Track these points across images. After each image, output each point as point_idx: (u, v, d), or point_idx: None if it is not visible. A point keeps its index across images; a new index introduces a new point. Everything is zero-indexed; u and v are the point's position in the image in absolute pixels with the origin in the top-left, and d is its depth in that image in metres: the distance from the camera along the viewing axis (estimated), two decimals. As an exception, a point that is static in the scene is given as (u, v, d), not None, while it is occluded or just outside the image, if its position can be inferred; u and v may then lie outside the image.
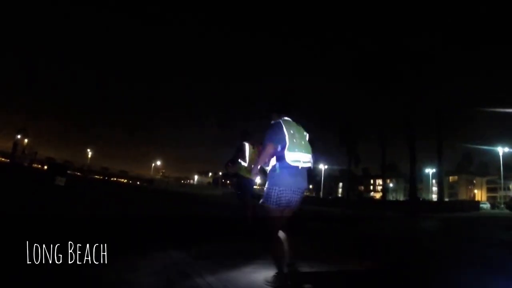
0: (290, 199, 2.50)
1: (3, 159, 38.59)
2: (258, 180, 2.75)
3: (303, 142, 2.58)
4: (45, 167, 25.67)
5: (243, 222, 4.69)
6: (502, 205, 35.74)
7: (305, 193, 2.72)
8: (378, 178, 75.42)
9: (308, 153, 2.59)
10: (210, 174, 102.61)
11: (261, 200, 2.56)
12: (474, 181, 68.43)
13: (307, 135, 2.73)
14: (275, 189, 2.48)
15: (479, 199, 54.35)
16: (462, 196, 64.10)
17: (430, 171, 54.99)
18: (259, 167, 2.68)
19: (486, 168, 66.38)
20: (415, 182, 24.66)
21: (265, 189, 2.56)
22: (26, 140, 44.24)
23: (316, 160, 2.89)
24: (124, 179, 65.40)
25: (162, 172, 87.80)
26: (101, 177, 50.25)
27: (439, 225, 11.39)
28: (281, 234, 2.49)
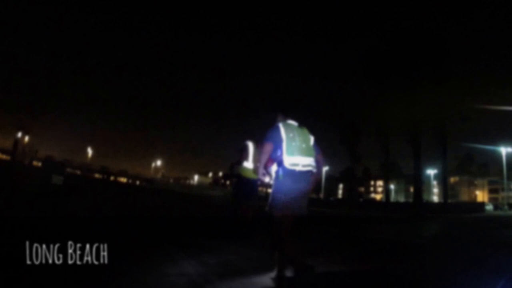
0: (295, 205, 2.48)
1: (3, 157, 38.57)
2: (267, 179, 2.68)
3: (304, 146, 2.56)
4: (44, 165, 25.23)
5: (241, 223, 4.66)
6: (506, 206, 35.57)
7: (310, 196, 2.68)
8: (379, 179, 75.24)
9: (309, 156, 2.56)
10: (210, 174, 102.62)
11: (266, 208, 2.54)
12: (475, 182, 68.28)
13: (312, 138, 2.70)
14: (280, 197, 2.46)
15: (481, 200, 54.23)
16: (463, 197, 63.98)
17: (431, 172, 54.79)
18: (263, 170, 2.63)
19: (487, 169, 66.25)
20: (420, 184, 24.48)
21: (270, 195, 2.55)
22: (26, 139, 44.19)
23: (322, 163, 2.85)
24: (124, 179, 65.38)
25: (163, 173, 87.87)
26: (101, 176, 50.20)
27: (452, 227, 11.21)
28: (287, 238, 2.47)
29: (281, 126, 2.59)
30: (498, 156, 34.44)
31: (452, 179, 68.09)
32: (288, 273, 2.52)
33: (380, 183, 75.42)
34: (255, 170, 4.62)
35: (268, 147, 2.54)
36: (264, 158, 2.56)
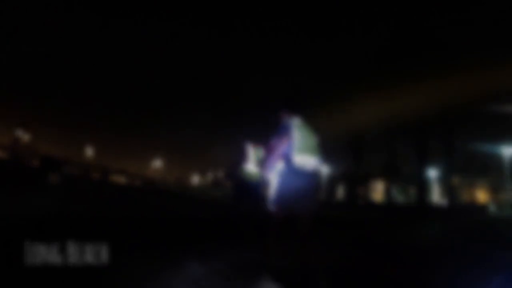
0: (302, 203, 2.46)
1: (2, 156, 38.50)
2: (271, 176, 2.66)
3: (310, 145, 2.59)
4: (40, 163, 24.86)
5: (244, 224, 4.62)
6: (509, 207, 35.41)
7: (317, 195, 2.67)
8: (379, 179, 75.05)
9: (316, 155, 2.58)
10: (210, 174, 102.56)
11: (268, 204, 2.55)
12: (477, 183, 68.19)
13: (316, 137, 2.71)
14: (282, 193, 2.46)
15: (482, 201, 54.20)
16: (464, 198, 63.91)
17: (432, 172, 54.61)
18: (268, 168, 2.62)
19: (488, 169, 66.12)
20: (424, 187, 24.46)
21: (272, 192, 2.54)
22: (26, 137, 44.16)
23: (322, 162, 2.86)
24: (123, 178, 65.35)
25: (163, 175, 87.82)
26: (100, 176, 50.14)
27: (459, 229, 11.09)
28: (296, 240, 2.45)
29: (291, 123, 2.58)
30: (499, 156, 34.41)
31: (452, 180, 67.94)
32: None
33: (380, 183, 75.32)
34: (263, 166, 4.58)
35: (285, 141, 2.51)
36: (279, 153, 2.53)
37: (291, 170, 2.46)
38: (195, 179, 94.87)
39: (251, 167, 4.76)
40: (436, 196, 66.06)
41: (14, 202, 5.72)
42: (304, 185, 2.45)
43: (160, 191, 28.36)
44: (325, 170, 54.65)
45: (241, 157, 4.90)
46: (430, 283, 2.87)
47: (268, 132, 2.76)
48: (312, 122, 2.76)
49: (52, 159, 26.09)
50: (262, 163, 2.71)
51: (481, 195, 65.19)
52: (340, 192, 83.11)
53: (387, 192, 46.18)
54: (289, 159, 2.47)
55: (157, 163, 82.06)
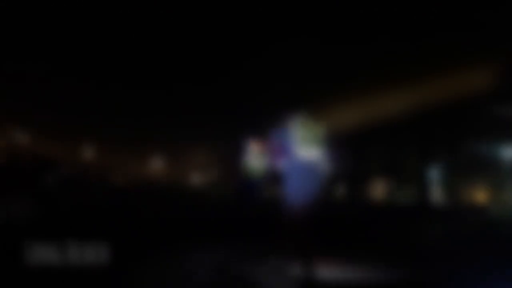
0: (304, 198, 2.48)
1: None
2: (279, 165, 2.70)
3: (313, 139, 2.61)
4: (35, 164, 24.98)
5: (245, 222, 4.63)
6: (510, 208, 35.36)
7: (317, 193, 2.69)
8: (380, 179, 75.12)
9: (319, 150, 2.61)
10: (210, 173, 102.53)
11: (276, 200, 2.63)
12: (476, 183, 68.28)
13: (321, 131, 2.73)
14: (288, 189, 2.49)
15: (482, 201, 54.26)
16: (464, 198, 63.99)
17: (432, 172, 54.56)
18: (272, 165, 2.67)
19: (488, 169, 66.18)
20: (424, 185, 24.40)
21: (278, 189, 2.63)
22: (23, 137, 44.21)
23: (326, 157, 2.88)
24: (122, 178, 65.40)
25: (162, 174, 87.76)
26: (99, 176, 50.14)
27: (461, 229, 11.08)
28: (298, 235, 2.47)
29: (293, 120, 2.62)
30: (499, 156, 34.35)
31: (451, 179, 67.99)
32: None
33: (380, 182, 75.43)
34: (266, 164, 4.58)
35: (278, 145, 2.57)
36: (275, 155, 2.59)
37: (295, 167, 2.49)
38: (196, 178, 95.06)
39: (253, 163, 4.75)
40: (436, 196, 66.14)
41: (13, 202, 5.72)
42: (307, 182, 2.49)
43: (160, 190, 28.31)
44: (325, 169, 54.69)
45: (242, 154, 4.91)
46: (430, 284, 2.87)
47: (270, 129, 2.77)
48: (314, 119, 2.76)
49: (50, 159, 25.98)
50: (264, 159, 2.76)
51: (481, 195, 65.17)
52: (340, 191, 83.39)
53: (388, 191, 46.08)
54: (292, 155, 2.50)
55: (158, 163, 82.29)
